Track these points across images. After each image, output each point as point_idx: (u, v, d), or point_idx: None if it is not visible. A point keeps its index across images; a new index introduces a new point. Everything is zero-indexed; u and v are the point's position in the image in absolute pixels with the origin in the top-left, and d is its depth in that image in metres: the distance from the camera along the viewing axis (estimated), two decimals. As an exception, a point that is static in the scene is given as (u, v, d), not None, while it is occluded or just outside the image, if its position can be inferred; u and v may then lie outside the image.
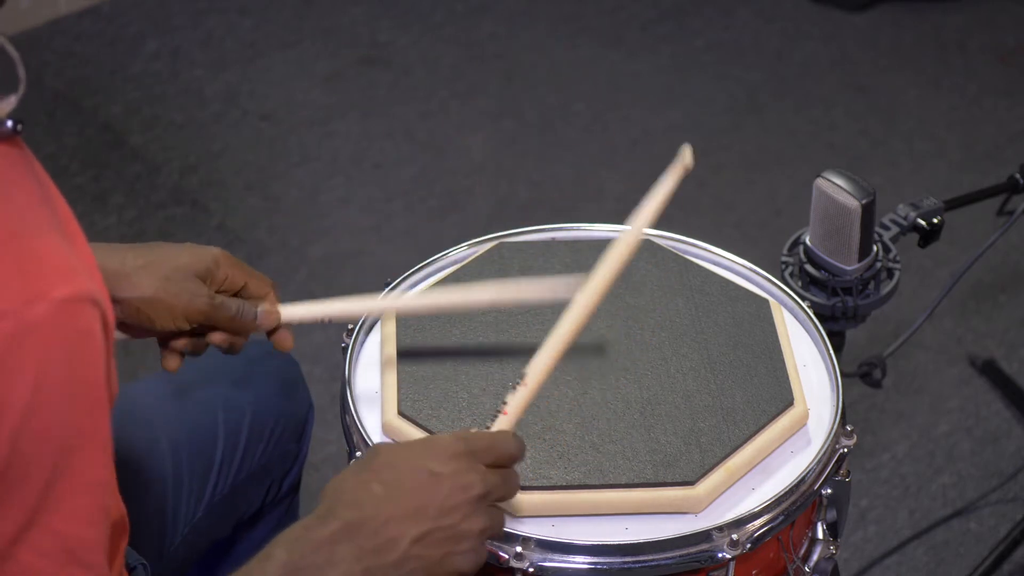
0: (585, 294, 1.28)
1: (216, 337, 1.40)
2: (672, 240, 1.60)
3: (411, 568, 1.13)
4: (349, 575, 1.11)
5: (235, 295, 1.40)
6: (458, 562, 1.15)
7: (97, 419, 0.98)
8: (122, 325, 1.37)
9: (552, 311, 1.48)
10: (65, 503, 0.97)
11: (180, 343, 1.40)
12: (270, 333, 1.42)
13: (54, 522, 0.97)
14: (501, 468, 1.17)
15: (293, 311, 1.42)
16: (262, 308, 1.40)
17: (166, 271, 1.35)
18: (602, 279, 1.29)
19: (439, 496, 1.13)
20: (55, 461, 0.95)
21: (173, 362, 1.42)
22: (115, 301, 1.33)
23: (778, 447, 1.37)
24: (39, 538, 0.96)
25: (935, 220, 1.84)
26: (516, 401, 1.23)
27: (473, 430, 1.21)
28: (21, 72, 0.98)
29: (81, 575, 1.00)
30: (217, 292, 1.38)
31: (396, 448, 1.18)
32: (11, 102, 0.99)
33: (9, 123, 0.98)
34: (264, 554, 1.11)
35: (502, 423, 1.22)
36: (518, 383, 1.24)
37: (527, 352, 1.43)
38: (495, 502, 1.17)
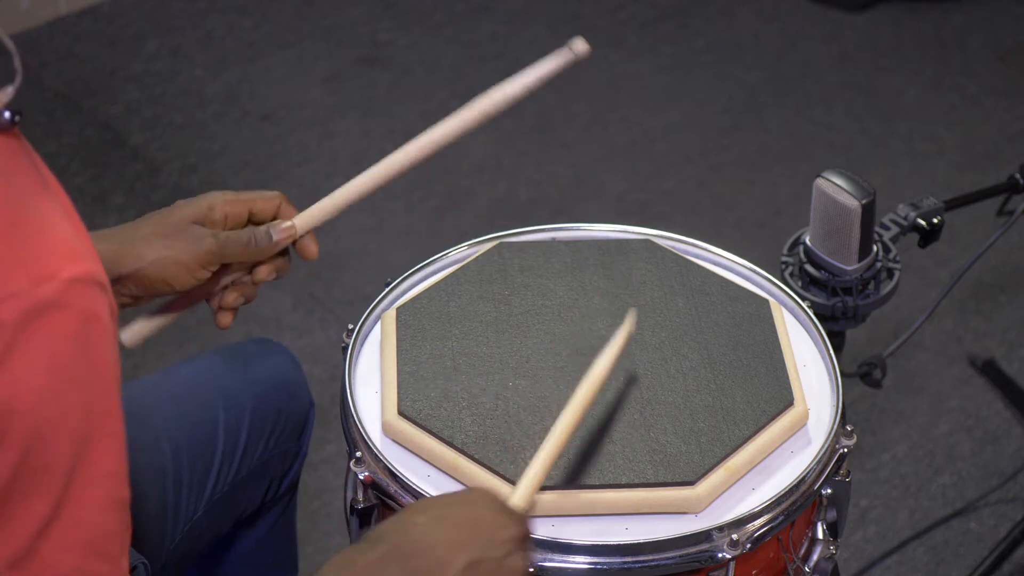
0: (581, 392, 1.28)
1: (262, 272, 1.39)
2: (672, 240, 1.60)
3: None
4: None
5: (245, 226, 1.38)
6: None
7: (111, 405, 0.98)
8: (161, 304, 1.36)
9: (552, 312, 1.48)
10: (86, 494, 0.97)
11: (230, 299, 1.39)
12: (293, 244, 1.40)
13: (77, 514, 0.97)
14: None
15: (308, 217, 1.40)
16: (274, 226, 1.38)
17: (164, 231, 1.33)
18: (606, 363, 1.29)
19: (488, 528, 1.15)
20: (74, 450, 0.95)
21: (225, 319, 1.41)
22: (125, 277, 1.32)
23: (778, 447, 1.37)
24: (62, 531, 0.96)
25: (935, 220, 1.84)
26: (535, 467, 1.25)
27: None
28: (18, 63, 0.98)
29: (102, 567, 1.00)
30: (221, 232, 1.36)
31: (436, 496, 1.23)
32: (8, 93, 0.99)
33: (7, 114, 0.98)
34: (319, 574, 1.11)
35: (519, 496, 1.23)
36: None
37: (527, 352, 1.43)
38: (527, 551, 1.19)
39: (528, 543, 1.19)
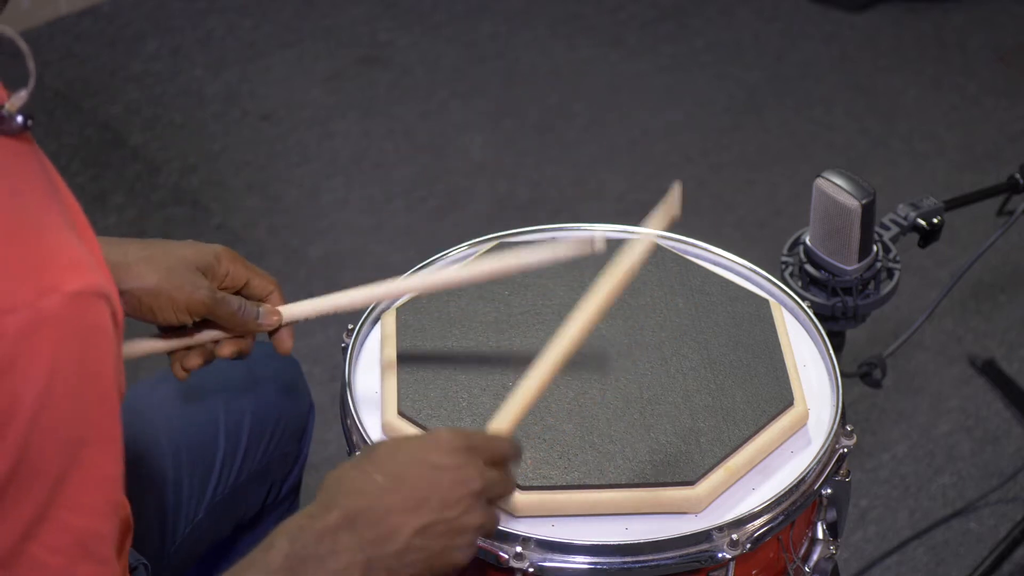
0: (590, 302, 1.26)
1: (225, 350, 1.40)
2: (672, 240, 1.60)
3: (412, 559, 1.13)
4: (351, 565, 1.11)
5: (237, 293, 1.40)
6: (455, 556, 1.15)
7: (107, 413, 0.98)
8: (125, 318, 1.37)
9: (553, 312, 1.48)
10: (77, 498, 0.97)
11: (190, 361, 1.40)
12: (271, 333, 1.42)
13: (66, 517, 0.97)
14: (498, 467, 1.18)
15: (296, 310, 1.42)
16: (264, 308, 1.40)
17: (169, 263, 1.34)
18: (608, 287, 1.26)
19: (441, 489, 1.14)
20: (67, 454, 0.95)
21: (182, 374, 1.42)
22: (122, 293, 1.33)
23: (778, 447, 1.37)
24: (51, 533, 0.96)
25: (935, 220, 1.84)
26: (512, 403, 1.23)
27: (470, 430, 1.21)
28: (31, 66, 0.98)
29: (93, 570, 1.00)
30: (219, 288, 1.38)
31: (397, 441, 1.19)
32: (22, 97, 0.99)
33: (19, 118, 0.98)
34: (266, 544, 1.11)
35: (499, 422, 1.22)
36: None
37: (527, 352, 1.43)
38: (492, 500, 1.18)
39: (497, 492, 1.17)
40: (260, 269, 1.41)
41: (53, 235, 0.96)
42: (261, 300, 1.41)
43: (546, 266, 1.41)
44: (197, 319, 1.37)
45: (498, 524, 1.20)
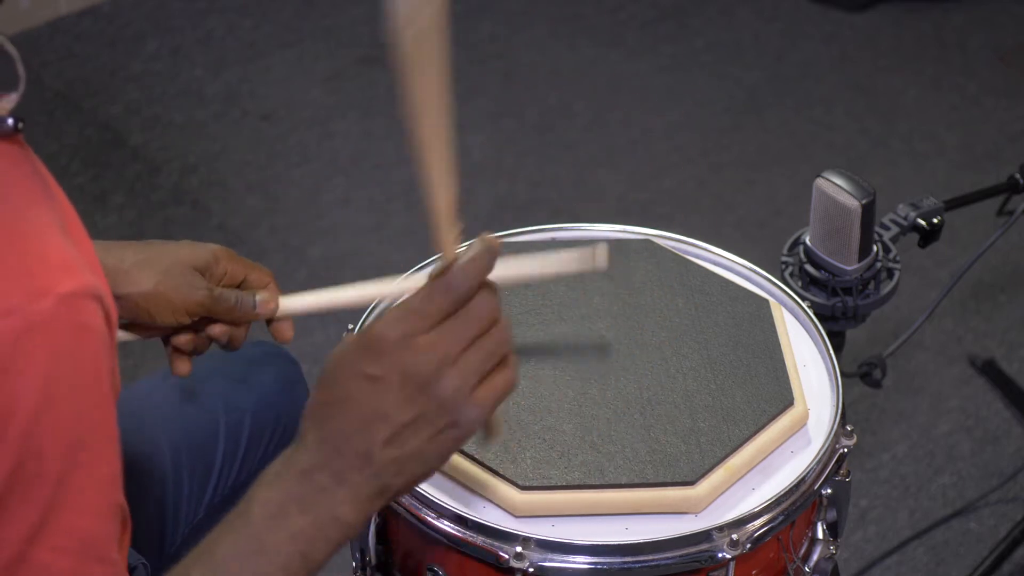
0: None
1: (215, 330, 1.39)
2: (672, 240, 1.60)
3: (395, 471, 1.06)
4: (335, 501, 1.06)
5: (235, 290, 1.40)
6: (452, 435, 1.06)
7: (104, 413, 0.98)
8: (125, 323, 1.37)
9: (552, 312, 1.48)
10: (78, 499, 0.97)
11: (183, 340, 1.40)
12: (269, 323, 1.42)
13: (70, 519, 0.97)
14: (472, 315, 1.04)
15: (292, 302, 1.42)
16: (260, 297, 1.39)
17: (165, 265, 1.35)
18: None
19: (388, 399, 1.05)
20: (66, 457, 0.96)
21: (183, 366, 1.41)
22: (115, 297, 1.33)
23: (778, 447, 1.37)
24: (55, 536, 0.96)
25: (935, 220, 1.84)
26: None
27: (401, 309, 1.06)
28: (21, 70, 0.98)
29: (99, 570, 1.00)
30: (217, 287, 1.38)
31: (334, 356, 1.08)
32: (12, 99, 0.99)
33: (10, 121, 0.98)
34: (247, 498, 1.08)
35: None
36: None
37: (527, 352, 1.43)
38: (491, 353, 1.05)
39: (448, 370, 1.03)
40: (256, 264, 1.41)
41: (44, 237, 0.96)
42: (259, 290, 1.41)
43: (548, 279, 1.40)
44: (195, 319, 1.37)
45: (512, 383, 1.08)
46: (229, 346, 1.42)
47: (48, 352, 0.93)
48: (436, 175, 1.03)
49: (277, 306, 1.40)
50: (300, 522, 1.06)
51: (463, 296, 1.04)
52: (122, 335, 1.40)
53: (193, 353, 1.42)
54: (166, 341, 1.41)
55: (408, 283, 1.41)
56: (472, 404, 1.05)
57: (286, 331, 1.42)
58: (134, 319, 1.36)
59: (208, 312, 1.37)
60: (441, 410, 1.04)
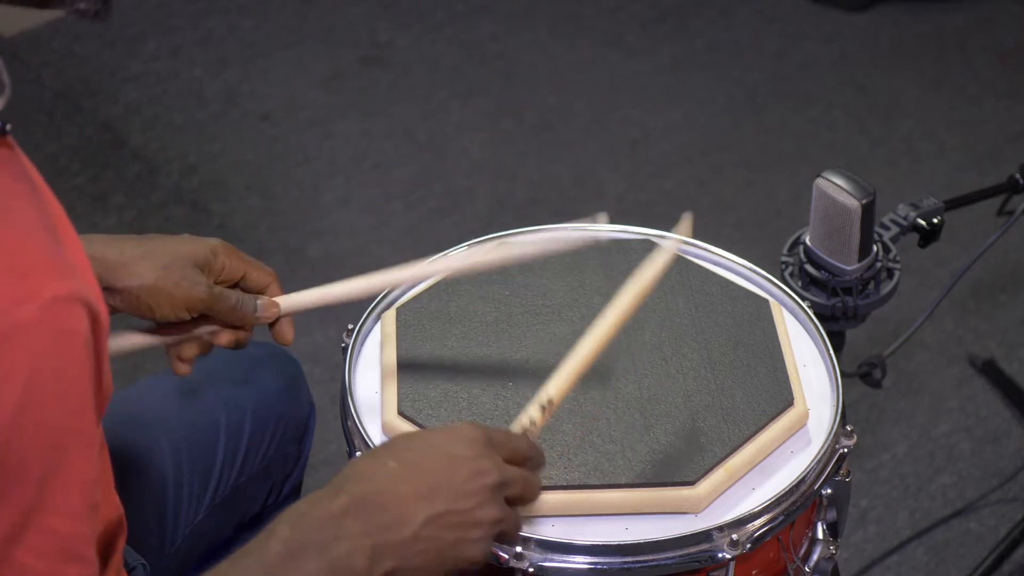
0: (608, 317, 1.27)
1: (223, 339, 1.40)
2: (672, 240, 1.60)
3: (421, 549, 1.11)
4: (356, 550, 1.09)
5: (235, 286, 1.40)
6: (468, 550, 1.13)
7: (86, 417, 0.98)
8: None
9: (552, 312, 1.48)
10: (58, 501, 0.97)
11: (188, 352, 1.40)
12: (271, 325, 1.42)
13: (50, 521, 0.97)
14: (519, 466, 1.17)
15: (294, 301, 1.41)
16: (262, 300, 1.39)
17: (165, 260, 1.35)
18: (627, 301, 1.27)
19: (456, 479, 1.12)
20: (48, 460, 0.95)
21: (183, 366, 1.41)
22: (115, 290, 1.33)
23: (778, 447, 1.37)
24: (35, 538, 0.96)
25: (935, 220, 1.84)
26: (536, 404, 1.24)
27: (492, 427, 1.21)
28: (6, 77, 0.98)
29: (76, 570, 1.00)
30: (216, 283, 1.38)
31: (415, 432, 1.18)
32: None
33: None
34: (268, 530, 1.10)
35: (519, 423, 1.22)
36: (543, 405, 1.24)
37: (526, 352, 1.43)
38: (513, 500, 1.17)
39: (517, 491, 1.16)
40: (257, 261, 1.41)
41: (29, 241, 0.95)
42: (259, 292, 1.41)
43: (548, 256, 1.42)
44: (195, 315, 1.37)
45: (520, 528, 1.19)
46: (236, 348, 1.42)
47: (30, 357, 0.93)
48: (579, 370, 1.23)
49: (279, 310, 1.41)
50: (314, 567, 1.09)
51: (528, 461, 1.20)
52: (140, 340, 1.40)
53: (198, 355, 1.42)
54: (169, 348, 1.41)
55: (404, 273, 1.42)
56: (494, 533, 1.16)
57: (287, 333, 1.42)
58: (135, 312, 1.36)
59: (208, 309, 1.37)
60: (486, 519, 1.14)
